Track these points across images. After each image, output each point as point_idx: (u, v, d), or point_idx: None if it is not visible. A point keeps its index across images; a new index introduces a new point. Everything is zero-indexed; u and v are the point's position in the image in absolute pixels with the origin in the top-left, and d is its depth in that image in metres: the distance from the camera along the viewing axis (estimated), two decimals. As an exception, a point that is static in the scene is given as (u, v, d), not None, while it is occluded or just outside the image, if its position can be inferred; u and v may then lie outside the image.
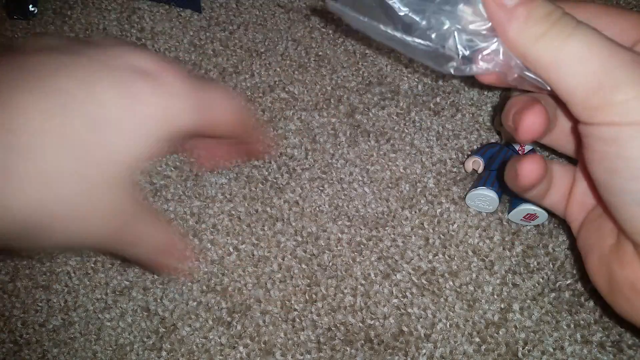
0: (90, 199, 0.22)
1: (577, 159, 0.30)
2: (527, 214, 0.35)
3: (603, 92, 0.20)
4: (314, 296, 0.36)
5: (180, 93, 0.23)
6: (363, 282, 0.36)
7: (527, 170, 0.26)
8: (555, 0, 0.22)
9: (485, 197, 0.35)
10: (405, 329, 0.34)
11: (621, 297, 0.25)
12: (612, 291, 0.26)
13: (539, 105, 0.25)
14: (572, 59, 0.20)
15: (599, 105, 0.20)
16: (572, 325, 0.34)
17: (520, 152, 0.36)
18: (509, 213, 0.36)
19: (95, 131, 0.21)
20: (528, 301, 0.35)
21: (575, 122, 0.23)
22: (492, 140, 0.39)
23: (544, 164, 0.26)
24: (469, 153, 0.39)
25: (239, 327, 0.35)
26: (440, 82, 0.41)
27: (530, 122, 0.24)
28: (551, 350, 0.33)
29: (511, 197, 0.36)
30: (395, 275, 0.36)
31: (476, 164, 0.37)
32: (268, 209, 0.38)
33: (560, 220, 0.37)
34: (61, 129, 0.20)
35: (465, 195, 0.37)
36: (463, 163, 0.38)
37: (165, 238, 0.28)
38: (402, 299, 0.35)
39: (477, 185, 0.36)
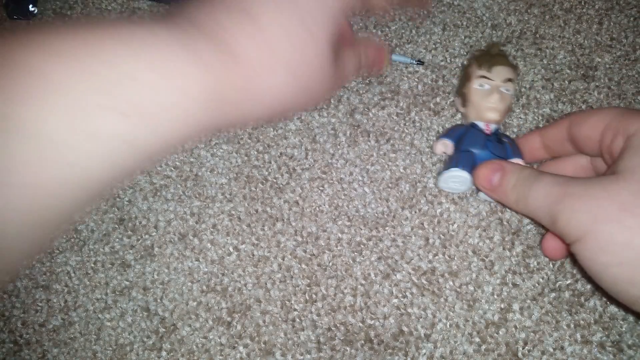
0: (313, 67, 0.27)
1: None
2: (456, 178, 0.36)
3: (555, 221, 0.28)
4: (314, 296, 0.36)
5: None
6: (363, 282, 0.36)
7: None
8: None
9: (458, 178, 0.35)
10: (405, 329, 0.34)
11: None
12: None
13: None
14: (535, 202, 0.29)
15: (559, 232, 0.28)
16: (572, 325, 0.34)
17: (486, 131, 0.36)
18: (478, 191, 0.37)
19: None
20: (528, 301, 0.35)
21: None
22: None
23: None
24: (437, 136, 0.39)
25: (239, 327, 0.35)
26: (440, 82, 0.41)
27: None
28: (551, 350, 0.33)
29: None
30: (395, 275, 0.36)
31: (445, 146, 0.37)
32: (268, 209, 0.38)
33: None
34: None
35: (438, 178, 0.37)
36: (431, 146, 0.39)
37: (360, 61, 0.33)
38: (402, 299, 0.35)
39: (449, 167, 0.36)
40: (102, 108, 0.21)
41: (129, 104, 0.21)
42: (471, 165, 0.35)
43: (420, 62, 0.42)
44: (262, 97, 0.26)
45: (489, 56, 0.38)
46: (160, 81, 0.22)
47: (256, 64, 0.25)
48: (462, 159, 0.36)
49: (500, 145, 0.36)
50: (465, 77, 0.39)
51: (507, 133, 0.39)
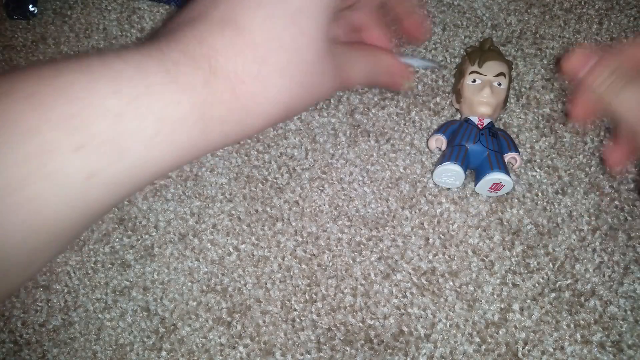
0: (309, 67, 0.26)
1: None
2: (493, 184, 0.36)
3: None
4: (314, 296, 0.36)
5: None
6: (363, 282, 0.36)
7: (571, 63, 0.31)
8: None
9: (451, 172, 0.36)
10: (405, 329, 0.34)
11: None
12: None
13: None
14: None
15: None
16: (572, 325, 0.34)
17: (479, 125, 0.37)
18: (475, 185, 0.36)
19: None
20: (528, 301, 0.35)
21: None
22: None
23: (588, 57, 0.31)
24: (432, 132, 0.39)
25: (239, 327, 0.35)
26: (440, 82, 0.41)
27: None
28: (551, 350, 0.33)
29: (476, 170, 0.37)
30: (395, 275, 0.36)
31: (439, 141, 0.37)
32: (268, 209, 0.38)
33: (561, 220, 0.37)
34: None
35: (432, 173, 0.37)
36: (427, 141, 0.39)
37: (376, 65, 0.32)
38: (402, 299, 0.35)
39: (442, 161, 0.36)
40: (54, 143, 0.19)
41: (85, 135, 0.20)
42: (464, 160, 0.35)
43: (436, 64, 0.41)
44: (262, 108, 0.25)
45: (481, 52, 0.38)
46: (126, 107, 0.21)
47: (248, 78, 0.24)
48: (454, 153, 0.36)
49: (495, 139, 0.36)
50: (459, 74, 0.39)
51: (507, 132, 0.39)
